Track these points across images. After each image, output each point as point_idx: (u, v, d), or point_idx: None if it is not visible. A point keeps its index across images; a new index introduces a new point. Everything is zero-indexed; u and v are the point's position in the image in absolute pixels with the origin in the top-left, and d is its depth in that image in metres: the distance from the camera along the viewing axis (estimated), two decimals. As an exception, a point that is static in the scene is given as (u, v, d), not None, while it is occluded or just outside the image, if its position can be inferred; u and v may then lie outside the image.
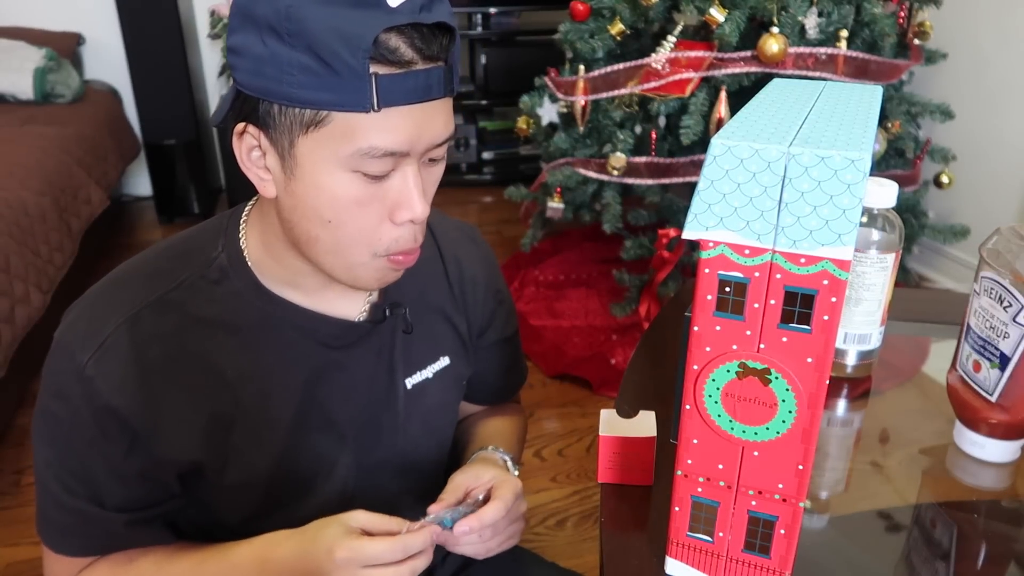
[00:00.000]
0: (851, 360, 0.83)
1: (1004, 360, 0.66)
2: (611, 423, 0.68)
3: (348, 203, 0.62)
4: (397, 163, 0.62)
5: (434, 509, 0.69)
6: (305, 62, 0.57)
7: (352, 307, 0.75)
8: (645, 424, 0.68)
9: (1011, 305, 0.65)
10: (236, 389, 0.70)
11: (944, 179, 2.28)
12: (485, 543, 0.70)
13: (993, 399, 0.68)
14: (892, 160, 2.23)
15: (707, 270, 0.47)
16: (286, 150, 0.62)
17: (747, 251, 0.46)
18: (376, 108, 0.58)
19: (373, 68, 0.57)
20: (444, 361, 0.82)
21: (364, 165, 0.61)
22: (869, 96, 0.59)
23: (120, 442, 0.67)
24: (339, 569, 0.63)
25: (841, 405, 0.82)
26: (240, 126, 0.64)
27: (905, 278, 2.45)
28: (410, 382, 0.79)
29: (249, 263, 0.71)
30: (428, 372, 0.81)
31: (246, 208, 0.74)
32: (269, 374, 0.72)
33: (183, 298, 0.69)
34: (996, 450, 0.71)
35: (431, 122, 0.62)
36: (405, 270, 0.70)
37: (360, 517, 0.66)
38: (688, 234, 0.47)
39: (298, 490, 0.75)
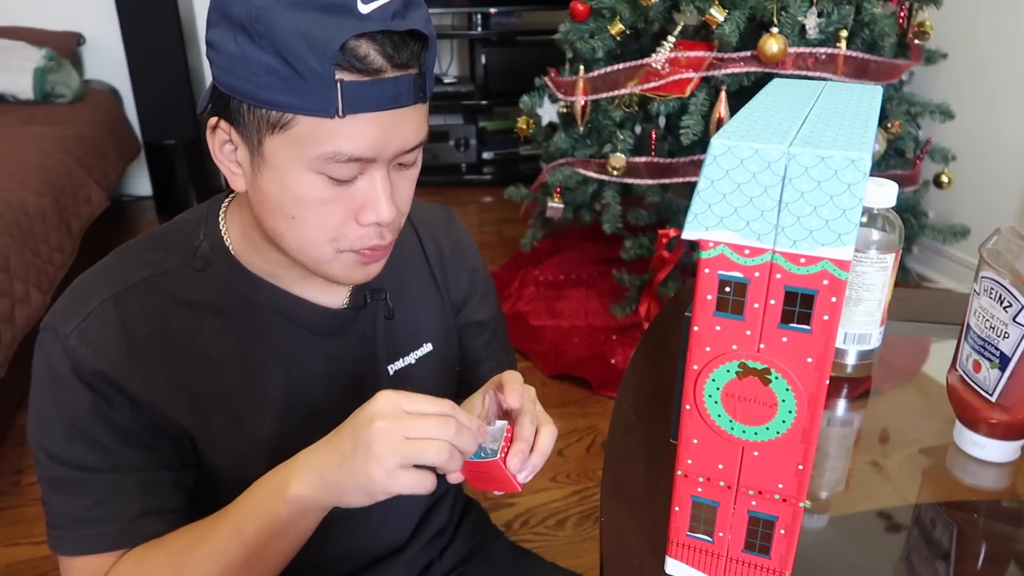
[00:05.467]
0: (851, 360, 0.83)
1: (1004, 360, 0.66)
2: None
3: (312, 202, 0.63)
4: (364, 168, 0.63)
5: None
6: (272, 64, 0.57)
7: (335, 296, 0.76)
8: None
9: (1011, 305, 0.65)
10: (219, 370, 0.71)
11: (944, 179, 2.28)
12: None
13: (993, 399, 0.68)
14: (892, 160, 2.23)
15: (707, 270, 0.47)
16: (255, 147, 0.63)
17: (747, 251, 0.46)
18: (341, 115, 0.58)
19: (339, 75, 0.57)
20: (427, 348, 0.82)
21: (329, 169, 0.61)
22: (869, 96, 0.59)
23: (121, 402, 0.67)
24: (379, 434, 0.58)
25: (841, 405, 0.82)
26: (213, 120, 0.65)
27: (905, 278, 2.45)
28: (392, 368, 0.80)
29: (232, 251, 0.72)
30: (411, 358, 0.81)
31: (225, 199, 0.75)
32: (252, 357, 0.72)
33: (168, 283, 0.70)
34: (996, 450, 0.70)
35: (399, 129, 0.62)
36: (386, 261, 0.70)
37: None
38: (688, 234, 0.47)
39: None
